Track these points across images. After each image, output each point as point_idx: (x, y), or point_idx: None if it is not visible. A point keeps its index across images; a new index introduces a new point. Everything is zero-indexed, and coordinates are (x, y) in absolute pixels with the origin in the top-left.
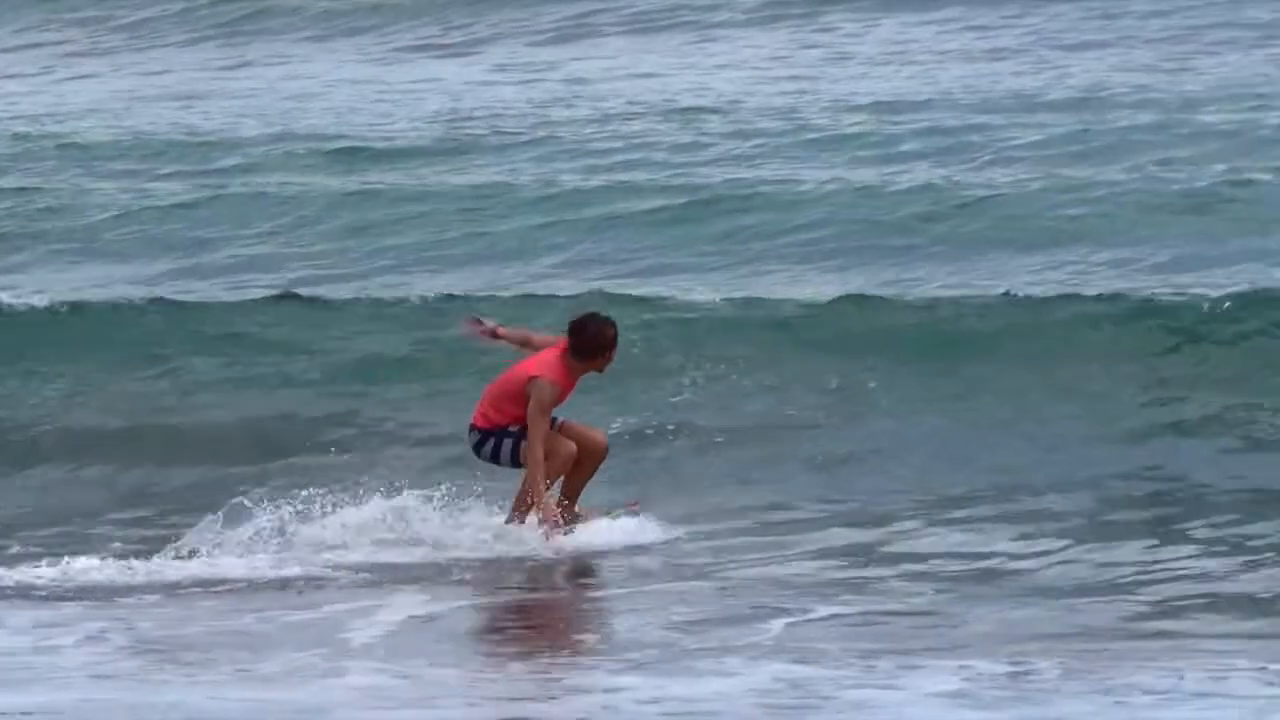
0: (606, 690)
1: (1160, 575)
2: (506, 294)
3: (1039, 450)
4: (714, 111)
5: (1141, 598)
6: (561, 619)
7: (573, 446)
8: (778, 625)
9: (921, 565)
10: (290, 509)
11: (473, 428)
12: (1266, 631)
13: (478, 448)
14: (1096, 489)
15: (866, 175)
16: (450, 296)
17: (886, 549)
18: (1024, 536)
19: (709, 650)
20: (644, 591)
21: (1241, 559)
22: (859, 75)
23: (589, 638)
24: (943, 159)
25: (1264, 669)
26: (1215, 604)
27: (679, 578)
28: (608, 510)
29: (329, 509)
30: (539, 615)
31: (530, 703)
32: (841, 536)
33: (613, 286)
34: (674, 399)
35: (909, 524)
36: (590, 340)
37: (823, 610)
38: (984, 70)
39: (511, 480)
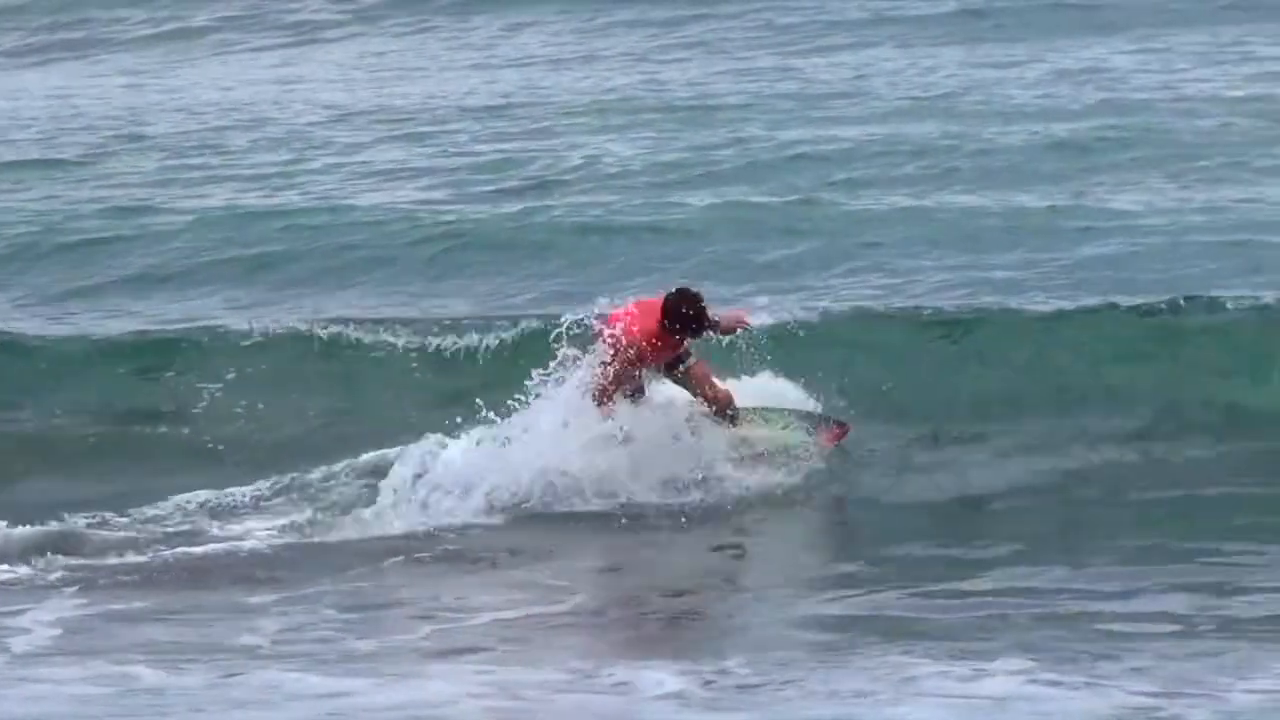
0: (330, 695)
1: (831, 577)
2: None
3: None
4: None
5: (817, 600)
6: (221, 622)
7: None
8: (426, 629)
9: (572, 564)
10: None
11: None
12: (937, 632)
13: None
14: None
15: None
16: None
17: (535, 551)
18: (682, 535)
19: (386, 653)
20: (299, 595)
21: (919, 560)
22: (428, 79)
23: (260, 641)
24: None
25: (947, 668)
26: (892, 605)
27: (327, 580)
28: (786, 424)
29: None
30: (197, 618)
31: (255, 709)
32: (481, 541)
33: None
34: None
35: (553, 526)
36: (671, 311)
37: (486, 616)
38: (577, 76)
39: None
